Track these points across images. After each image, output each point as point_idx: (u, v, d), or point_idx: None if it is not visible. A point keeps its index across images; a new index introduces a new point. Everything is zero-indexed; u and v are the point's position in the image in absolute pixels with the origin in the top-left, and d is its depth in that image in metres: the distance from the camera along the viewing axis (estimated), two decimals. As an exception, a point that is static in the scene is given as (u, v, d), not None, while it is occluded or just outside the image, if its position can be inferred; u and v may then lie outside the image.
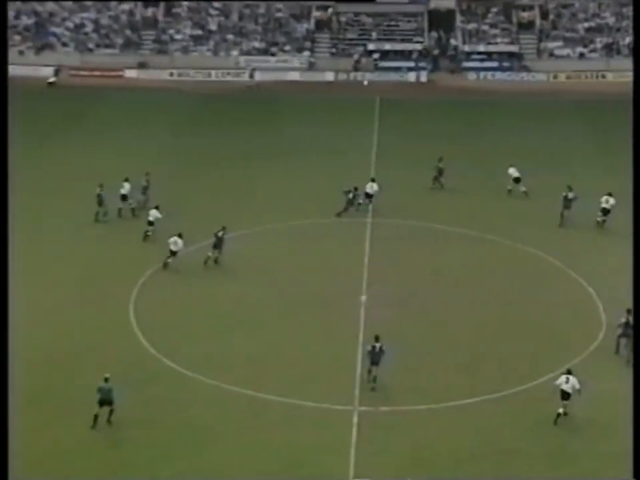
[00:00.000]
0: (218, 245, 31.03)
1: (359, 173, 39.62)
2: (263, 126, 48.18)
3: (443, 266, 31.54)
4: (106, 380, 22.72)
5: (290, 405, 22.99)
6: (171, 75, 57.64)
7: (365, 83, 56.52)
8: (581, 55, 61.74)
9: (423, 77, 60.65)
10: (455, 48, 62.96)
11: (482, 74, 60.74)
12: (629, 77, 58.54)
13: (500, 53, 62.31)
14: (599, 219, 33.65)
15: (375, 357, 23.72)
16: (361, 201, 35.35)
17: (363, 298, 29.04)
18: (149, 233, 32.14)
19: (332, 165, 42.21)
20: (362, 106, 53.70)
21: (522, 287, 29.73)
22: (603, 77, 59.69)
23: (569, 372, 22.90)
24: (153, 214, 32.27)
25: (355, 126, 48.97)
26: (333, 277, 30.62)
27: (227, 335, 26.47)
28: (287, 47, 62.94)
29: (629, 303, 26.45)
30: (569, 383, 22.75)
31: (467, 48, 62.55)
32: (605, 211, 33.57)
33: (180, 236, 30.59)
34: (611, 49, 61.69)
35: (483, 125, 48.89)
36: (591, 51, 61.97)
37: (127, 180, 34.34)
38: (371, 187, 35.65)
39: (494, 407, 23.18)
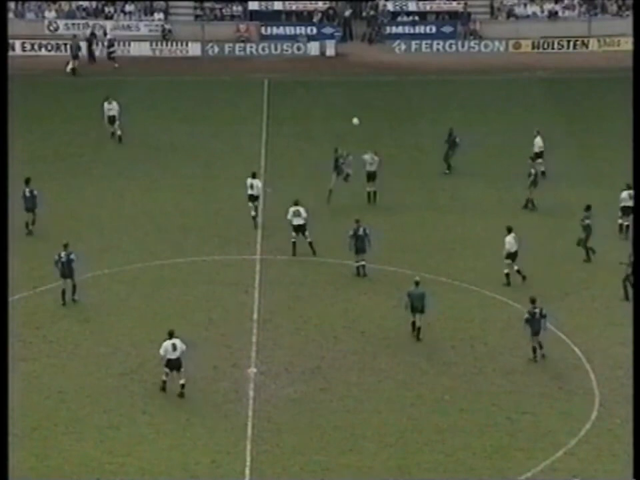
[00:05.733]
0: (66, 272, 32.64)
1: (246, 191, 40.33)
2: (93, 123, 48.36)
3: (368, 323, 32.35)
4: (416, 283, 30.61)
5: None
6: None
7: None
8: (552, 15, 64.66)
9: (330, 48, 62.06)
10: (376, 7, 64.83)
11: (413, 43, 62.62)
12: (617, 44, 62.11)
13: (438, 14, 64.53)
14: (620, 222, 38.07)
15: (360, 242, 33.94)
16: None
17: (252, 370, 29.64)
18: None
19: (204, 177, 42.77)
20: (243, 92, 54.53)
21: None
22: (584, 44, 62.68)
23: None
24: None
25: (234, 121, 49.63)
26: (208, 341, 30.99)
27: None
28: (130, 7, 63.46)
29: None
30: None
31: (391, 6, 64.52)
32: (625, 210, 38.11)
33: None
34: (593, 5, 64.85)
35: (415, 118, 50.44)
36: (565, 8, 65.00)
37: None
38: (297, 213, 35.74)
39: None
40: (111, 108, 47.27)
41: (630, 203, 37.21)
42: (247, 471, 25.30)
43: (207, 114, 50.89)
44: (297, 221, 36.00)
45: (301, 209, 35.97)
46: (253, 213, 38.25)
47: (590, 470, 25.36)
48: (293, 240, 36.06)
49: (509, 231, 34.26)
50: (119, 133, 47.03)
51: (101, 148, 46.34)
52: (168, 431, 26.86)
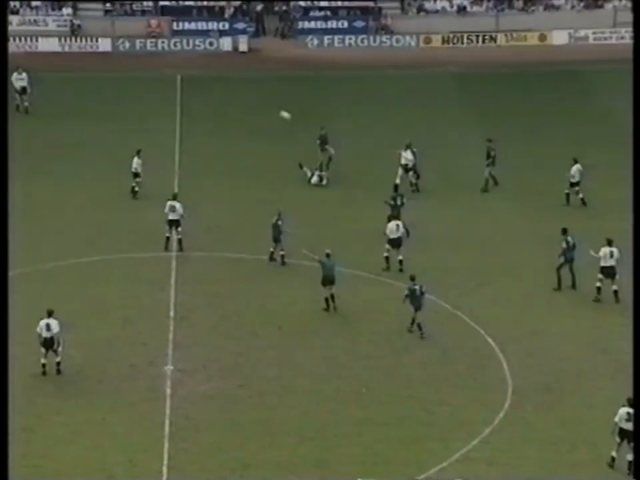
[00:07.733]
0: None
1: (159, 187, 40.16)
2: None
3: (286, 318, 32.37)
4: (327, 255, 31.76)
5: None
6: None
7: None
8: (461, 9, 65.32)
9: (243, 44, 61.87)
10: (287, 2, 64.80)
11: (326, 38, 62.75)
12: (524, 39, 62.95)
13: (350, 9, 64.74)
14: (566, 191, 40.24)
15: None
16: None
17: (169, 368, 29.55)
18: None
19: (118, 173, 42.34)
20: (156, 88, 54.09)
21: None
22: (492, 39, 63.43)
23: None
24: None
25: (147, 118, 49.26)
26: (124, 339, 30.87)
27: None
28: (37, 2, 62.48)
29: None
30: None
31: (303, 1, 64.57)
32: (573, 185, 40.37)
33: None
34: (500, 0, 65.68)
35: (331, 114, 50.52)
36: (473, 3, 65.71)
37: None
38: (172, 208, 35.91)
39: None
40: (22, 78, 47.40)
41: (577, 179, 39.35)
42: (165, 470, 25.19)
43: (118, 111, 50.38)
44: (172, 216, 35.92)
45: (177, 205, 35.89)
46: (133, 185, 40.25)
47: (504, 457, 25.76)
48: (167, 235, 36.02)
49: (395, 218, 35.25)
50: (26, 104, 47.01)
51: (11, 143, 45.53)
52: (84, 432, 26.60)
